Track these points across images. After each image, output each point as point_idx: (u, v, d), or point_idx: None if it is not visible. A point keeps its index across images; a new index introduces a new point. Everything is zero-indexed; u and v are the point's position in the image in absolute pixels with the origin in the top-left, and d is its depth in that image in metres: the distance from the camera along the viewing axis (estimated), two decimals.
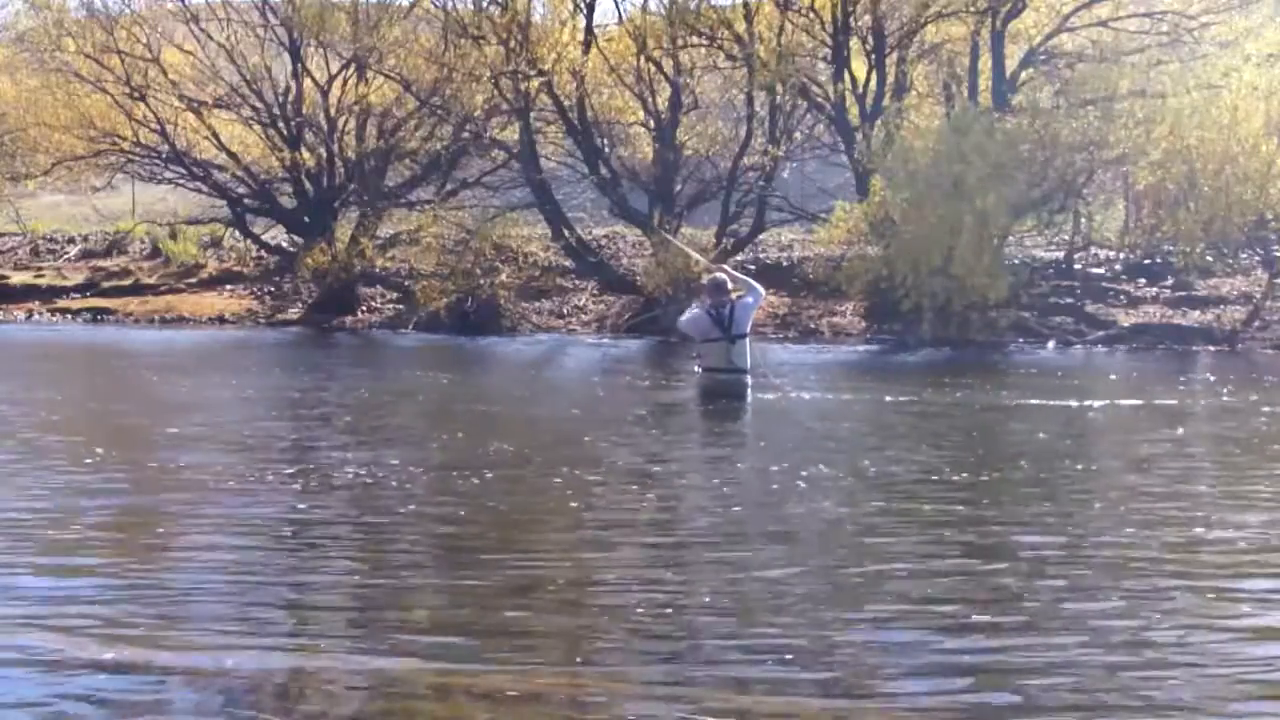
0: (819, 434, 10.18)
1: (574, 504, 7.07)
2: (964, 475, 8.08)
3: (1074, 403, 12.32)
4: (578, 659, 4.36)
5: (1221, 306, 22.33)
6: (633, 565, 5.78)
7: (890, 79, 23.37)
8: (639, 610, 4.94)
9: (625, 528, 6.57)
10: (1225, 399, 12.96)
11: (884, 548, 6.02)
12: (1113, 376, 15.81)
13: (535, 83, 24.22)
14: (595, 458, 8.73)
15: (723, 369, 11.39)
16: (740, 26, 23.78)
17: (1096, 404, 12.26)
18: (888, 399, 12.56)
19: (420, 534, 6.35)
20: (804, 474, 7.99)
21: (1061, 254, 25.11)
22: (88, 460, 8.25)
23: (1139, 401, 12.66)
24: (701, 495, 7.62)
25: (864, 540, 6.21)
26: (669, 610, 4.95)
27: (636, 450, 9.31)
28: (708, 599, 5.15)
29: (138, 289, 27.18)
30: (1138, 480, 8.06)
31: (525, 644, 4.49)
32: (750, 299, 11.71)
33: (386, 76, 26.11)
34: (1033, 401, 12.43)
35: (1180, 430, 10.69)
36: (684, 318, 11.99)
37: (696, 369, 11.83)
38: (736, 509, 7.20)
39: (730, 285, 11.85)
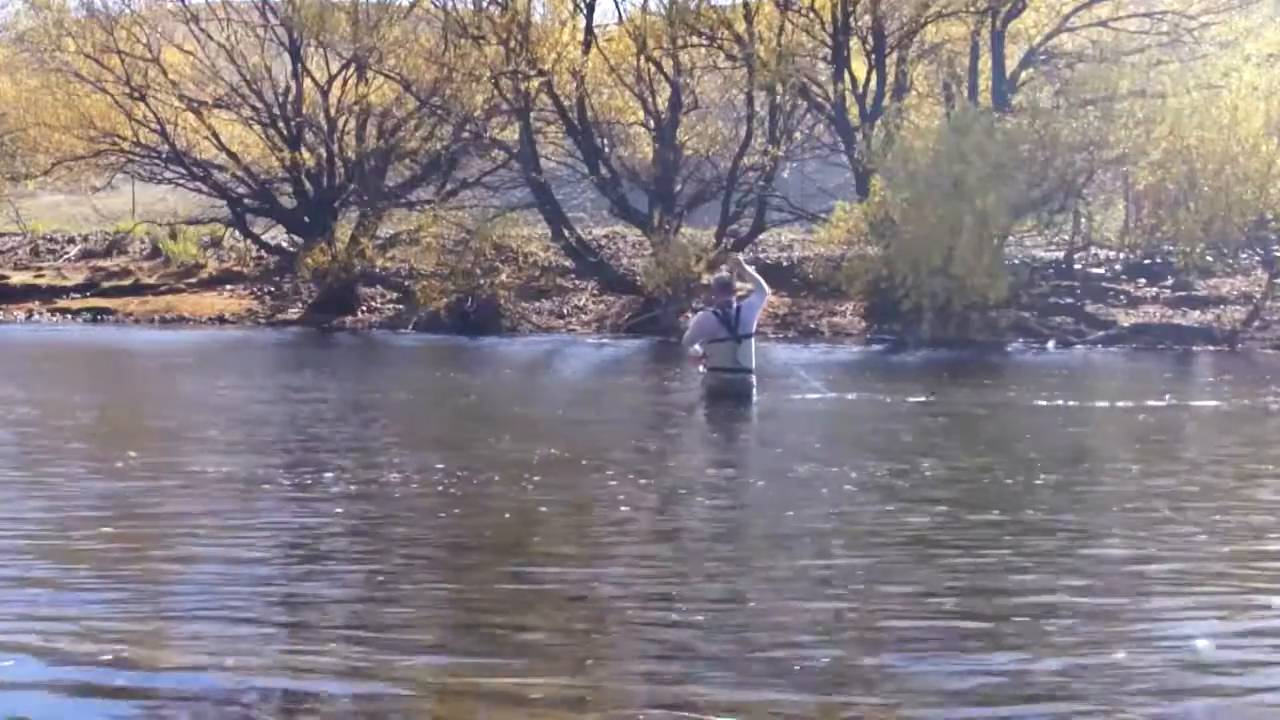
0: (860, 436, 10.05)
1: (585, 506, 7.06)
2: (1029, 479, 7.86)
3: (1121, 404, 12.17)
4: (580, 662, 4.35)
5: (1221, 306, 22.34)
6: (642, 569, 5.77)
7: (890, 79, 23.38)
8: (643, 614, 4.94)
9: (641, 531, 6.56)
10: (1272, 401, 12.72)
11: (913, 554, 5.91)
12: (1141, 377, 15.60)
13: (535, 83, 24.23)
14: (624, 460, 8.70)
15: (729, 368, 11.39)
16: (740, 26, 23.78)
17: (1133, 405, 12.08)
18: (918, 400, 12.49)
19: (425, 536, 6.33)
20: (854, 477, 7.93)
21: (1061, 254, 25.12)
22: (119, 464, 8.19)
23: (1176, 402, 12.46)
24: (721, 498, 7.57)
25: (890, 546, 6.12)
26: (675, 614, 4.95)
27: (665, 454, 9.27)
28: (716, 602, 5.15)
29: (138, 289, 27.19)
30: (1199, 484, 7.80)
31: (527, 646, 4.49)
32: (756, 299, 11.74)
33: (386, 76, 26.12)
34: (1071, 403, 12.23)
35: (1233, 433, 10.48)
36: (688, 333, 11.89)
37: (700, 368, 11.80)
38: (756, 512, 7.14)
39: (737, 283, 11.87)
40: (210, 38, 26.70)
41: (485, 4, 25.13)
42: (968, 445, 9.66)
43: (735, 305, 11.41)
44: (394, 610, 4.92)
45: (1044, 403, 12.34)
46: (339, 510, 6.85)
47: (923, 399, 12.59)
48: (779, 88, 23.80)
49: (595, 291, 25.05)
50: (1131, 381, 15.09)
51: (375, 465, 8.32)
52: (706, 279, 22.29)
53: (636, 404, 12.81)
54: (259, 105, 26.57)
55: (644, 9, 25.27)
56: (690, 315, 16.13)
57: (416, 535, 6.29)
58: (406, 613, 4.89)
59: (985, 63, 22.53)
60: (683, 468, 8.62)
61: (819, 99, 24.14)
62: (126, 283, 27.55)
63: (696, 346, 11.61)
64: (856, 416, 11.44)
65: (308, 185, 26.57)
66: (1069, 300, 22.62)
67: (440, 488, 7.41)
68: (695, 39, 24.38)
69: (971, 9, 22.10)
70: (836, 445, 9.71)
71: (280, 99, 26.47)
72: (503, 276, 24.04)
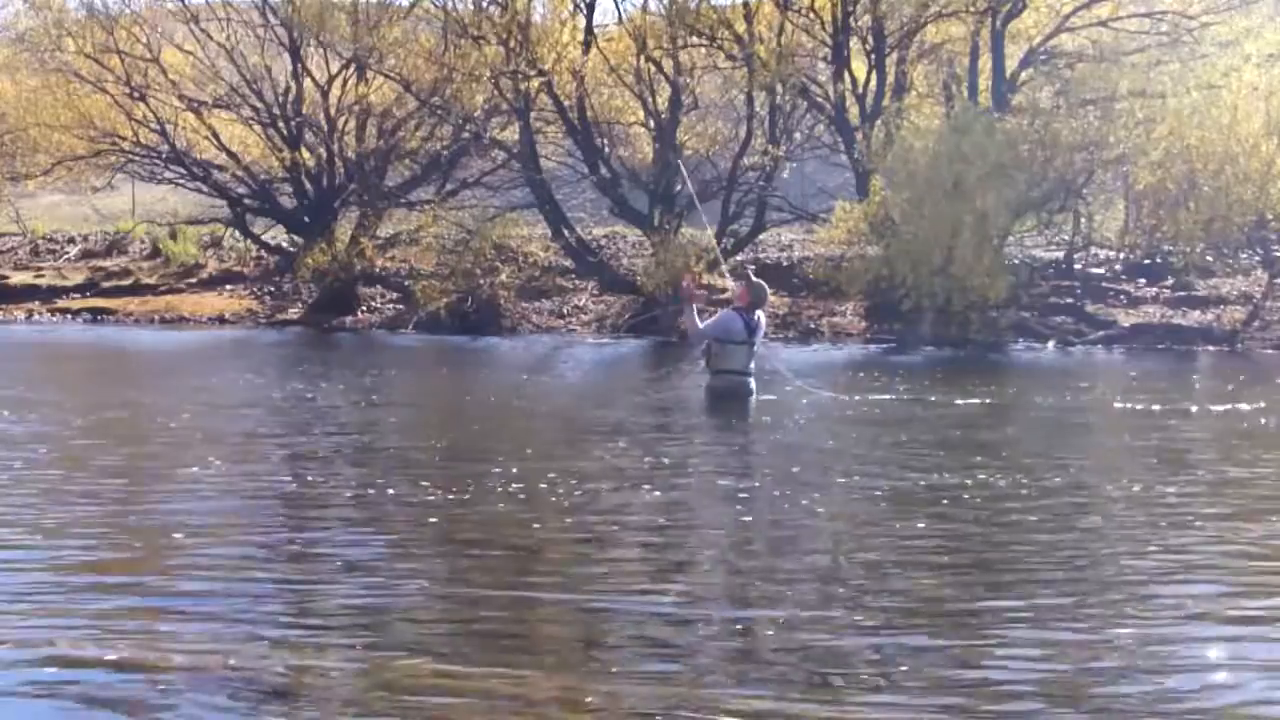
0: (903, 441, 9.81)
1: (591, 508, 7.05)
2: (1132, 486, 7.68)
3: (1195, 407, 11.96)
4: (581, 664, 4.35)
5: (1221, 306, 22.35)
6: (644, 571, 5.78)
7: (890, 79, 23.38)
8: (645, 615, 4.94)
9: (645, 533, 6.55)
10: None
11: (926, 560, 5.85)
12: (1196, 378, 15.33)
13: (535, 83, 24.23)
14: (632, 461, 8.68)
15: (740, 371, 11.57)
16: (740, 26, 23.78)
17: (1194, 409, 11.86)
18: (961, 401, 12.39)
19: (426, 538, 6.33)
20: (871, 480, 7.92)
21: (1061, 254, 25.11)
22: (195, 469, 8.14)
23: (1256, 406, 12.09)
24: (732, 500, 7.54)
25: (902, 549, 6.10)
26: (677, 616, 4.94)
27: (678, 454, 9.22)
28: (718, 605, 5.15)
29: (138, 289, 27.20)
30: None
31: (529, 648, 4.49)
32: (762, 315, 11.90)
33: (386, 76, 26.12)
34: (1134, 405, 12.04)
35: None
36: (712, 324, 11.69)
37: (702, 365, 11.76)
38: (765, 514, 7.09)
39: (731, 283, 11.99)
40: (210, 38, 26.69)
41: (485, 4, 25.14)
42: (1008, 449, 9.57)
43: (756, 314, 11.60)
44: (395, 612, 4.91)
45: (1125, 405, 12.17)
46: (341, 513, 6.85)
47: (974, 400, 12.52)
48: (779, 88, 23.80)
49: (595, 291, 25.05)
50: (1204, 383, 14.63)
51: (379, 467, 8.32)
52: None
53: (642, 404, 12.81)
54: (259, 105, 26.57)
55: (644, 9, 25.28)
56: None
57: (418, 537, 6.29)
58: (408, 614, 4.89)
59: (985, 63, 22.53)
60: (696, 469, 8.60)
61: (819, 99, 24.14)
62: (126, 283, 27.56)
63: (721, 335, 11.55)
64: (912, 420, 11.22)
65: (308, 185, 26.58)
66: (1069, 300, 22.62)
67: (441, 490, 7.41)
68: (695, 39, 24.37)
69: (971, 9, 22.09)
70: (866, 448, 9.54)
71: (280, 99, 26.47)
72: (503, 276, 24.05)
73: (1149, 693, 4.04)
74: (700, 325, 11.56)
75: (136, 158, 27.58)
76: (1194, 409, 11.92)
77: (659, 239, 23.21)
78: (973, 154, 20.02)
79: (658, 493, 7.46)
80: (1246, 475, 8.29)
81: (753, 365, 11.63)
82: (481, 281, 23.68)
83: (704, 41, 24.42)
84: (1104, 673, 4.23)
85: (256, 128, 26.98)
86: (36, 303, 26.71)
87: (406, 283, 25.00)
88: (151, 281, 27.62)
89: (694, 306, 11.69)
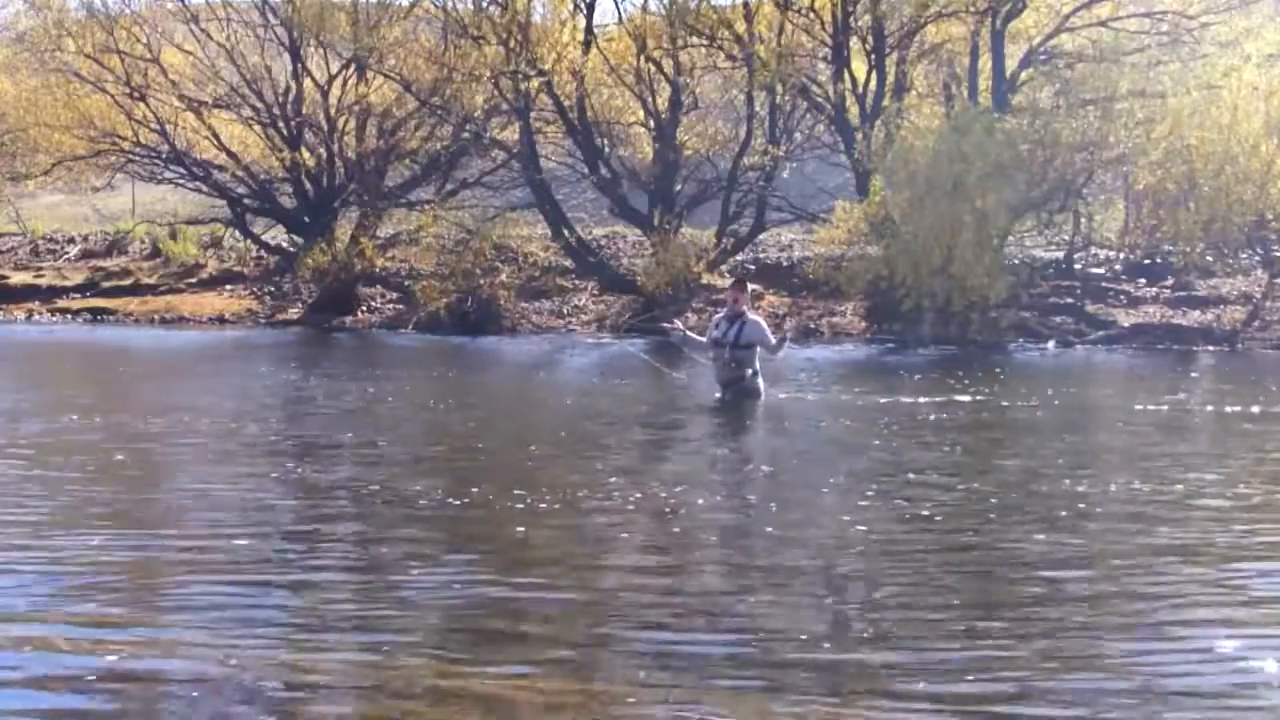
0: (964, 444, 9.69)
1: (597, 509, 7.05)
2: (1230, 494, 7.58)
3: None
4: (580, 664, 4.35)
5: (1221, 306, 22.33)
6: (642, 572, 5.78)
7: (890, 79, 23.37)
8: (643, 616, 4.94)
9: (645, 533, 6.55)
10: None
11: (926, 562, 5.86)
12: (1254, 380, 15.10)
13: (535, 83, 24.23)
14: (641, 462, 8.70)
15: (757, 370, 11.66)
16: (740, 26, 23.78)
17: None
18: (1005, 403, 12.32)
19: (426, 539, 6.33)
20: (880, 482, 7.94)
21: (1061, 254, 25.08)
22: (204, 472, 8.13)
23: None
24: (741, 502, 7.55)
25: (899, 550, 6.12)
26: (675, 617, 4.94)
27: (694, 453, 9.27)
28: (716, 606, 5.15)
29: (138, 289, 27.19)
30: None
31: (527, 649, 4.49)
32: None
33: (386, 76, 26.12)
34: (1233, 409, 11.84)
35: None
36: (767, 329, 11.76)
37: (749, 370, 11.58)
38: (774, 516, 7.13)
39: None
40: (210, 38, 26.70)
41: (485, 4, 25.14)
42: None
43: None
44: (394, 613, 4.91)
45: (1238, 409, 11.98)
46: (343, 514, 6.85)
47: (1017, 401, 12.44)
48: (779, 88, 23.80)
49: (595, 291, 25.03)
50: (1252, 384, 14.29)
51: (381, 467, 8.31)
52: (709, 279, 22.33)
53: (655, 402, 12.81)
54: (259, 105, 26.57)
55: (644, 9, 25.30)
56: (683, 318, 16.06)
57: (418, 538, 6.29)
58: (407, 615, 4.89)
59: (985, 63, 22.51)
60: (742, 471, 8.60)
61: (819, 99, 24.13)
62: (126, 283, 27.55)
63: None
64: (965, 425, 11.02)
65: (308, 185, 26.57)
66: (1069, 300, 22.59)
67: (442, 491, 7.40)
68: (695, 39, 24.37)
69: (971, 9, 22.08)
70: (935, 451, 9.35)
71: (280, 99, 26.47)
72: (503, 276, 24.04)
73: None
74: (774, 343, 11.73)
75: (136, 158, 27.59)
76: None
77: (659, 239, 23.21)
78: (973, 154, 20.00)
79: (665, 494, 7.45)
80: None
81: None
82: (481, 281, 23.67)
83: (704, 41, 24.42)
84: (1116, 686, 4.15)
85: (256, 128, 26.98)
86: (36, 303, 26.70)
87: (406, 283, 25.00)
88: (151, 281, 27.61)
89: (784, 338, 11.89)
